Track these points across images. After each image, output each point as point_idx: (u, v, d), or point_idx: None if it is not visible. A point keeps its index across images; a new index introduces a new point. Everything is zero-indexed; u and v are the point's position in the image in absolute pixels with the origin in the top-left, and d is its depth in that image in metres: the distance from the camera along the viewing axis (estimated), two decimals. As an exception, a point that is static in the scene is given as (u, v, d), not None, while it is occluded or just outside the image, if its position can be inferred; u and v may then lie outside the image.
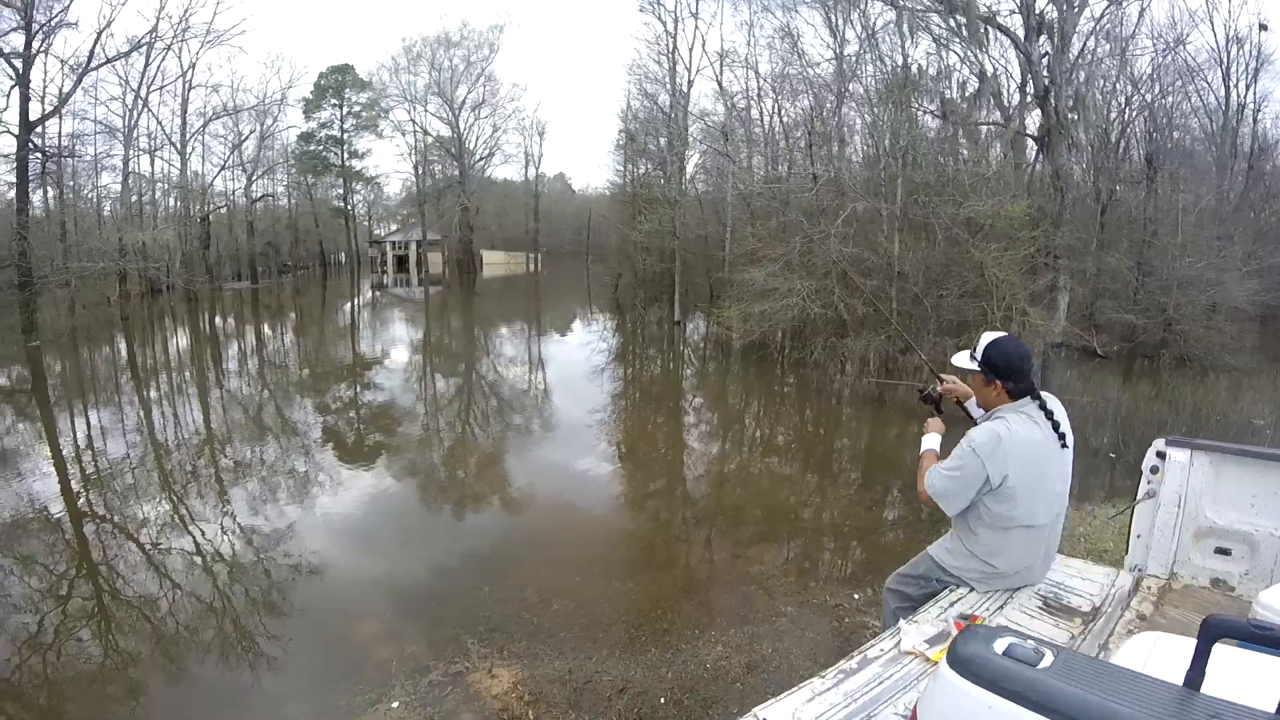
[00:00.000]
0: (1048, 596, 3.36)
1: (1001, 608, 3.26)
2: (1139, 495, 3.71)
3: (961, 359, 3.55)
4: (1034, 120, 17.89)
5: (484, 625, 5.99)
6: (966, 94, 18.24)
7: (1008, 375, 3.31)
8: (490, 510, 9.58)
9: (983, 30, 16.70)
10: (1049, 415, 3.29)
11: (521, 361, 21.87)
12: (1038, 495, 3.26)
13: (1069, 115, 16.75)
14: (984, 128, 18.35)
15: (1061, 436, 3.29)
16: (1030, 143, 18.04)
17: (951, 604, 3.30)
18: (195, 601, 7.10)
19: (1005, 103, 18.33)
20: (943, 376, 3.94)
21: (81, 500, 10.42)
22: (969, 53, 17.30)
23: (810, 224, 16.85)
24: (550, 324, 31.69)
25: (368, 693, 5.15)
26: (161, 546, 8.46)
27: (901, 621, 3.07)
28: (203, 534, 8.78)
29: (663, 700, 4.85)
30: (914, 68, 18.32)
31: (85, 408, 16.36)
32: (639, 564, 7.49)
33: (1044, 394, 3.36)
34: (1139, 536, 3.73)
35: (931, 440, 3.70)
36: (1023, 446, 3.20)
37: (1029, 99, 17.69)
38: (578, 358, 21.11)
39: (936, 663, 2.66)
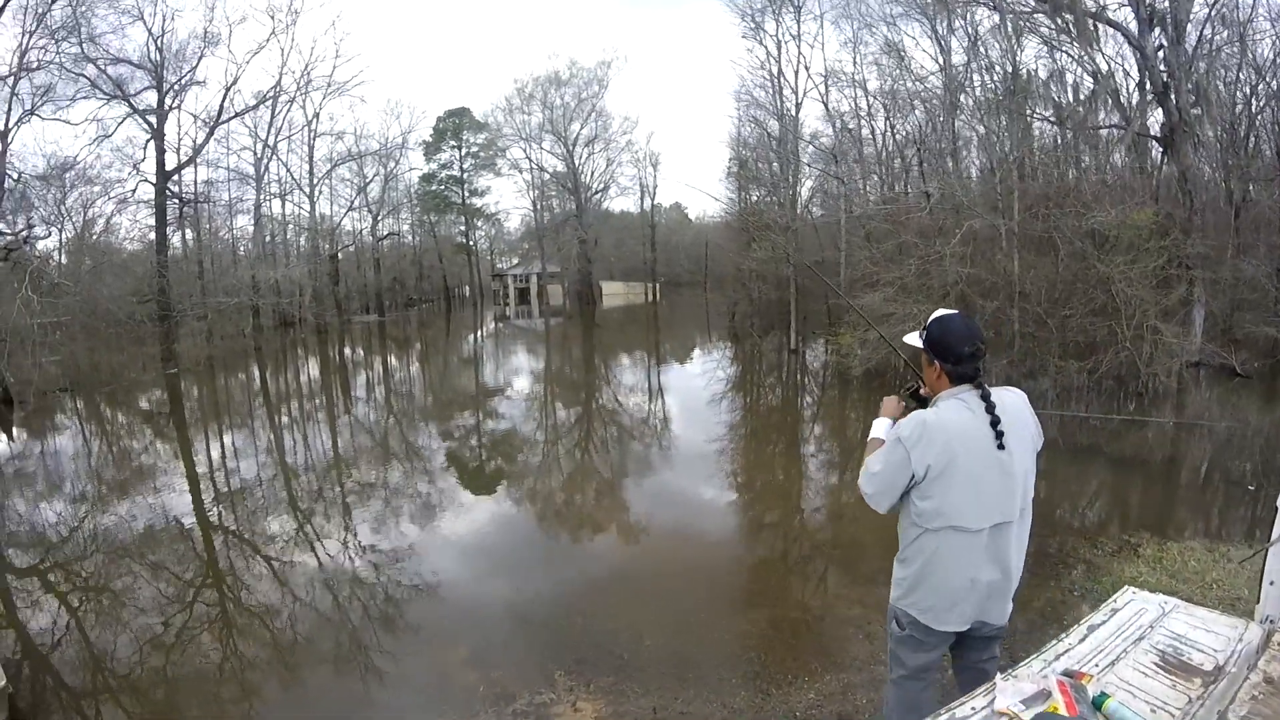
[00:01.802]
0: (1165, 651, 2.93)
1: (1112, 664, 2.87)
2: (1274, 535, 3.13)
3: (911, 336, 3.25)
4: (1155, 119, 16.70)
5: (573, 657, 5.96)
6: (1082, 97, 17.25)
7: (945, 354, 3.01)
8: (599, 538, 9.55)
9: (1092, 26, 15.71)
10: (989, 408, 2.93)
11: (640, 390, 21.92)
12: (966, 490, 2.90)
13: (1192, 111, 15.53)
14: (1103, 131, 17.30)
15: (999, 435, 2.90)
16: (1153, 144, 16.91)
17: (1057, 656, 2.98)
18: (314, 613, 7.45)
19: (1124, 103, 17.09)
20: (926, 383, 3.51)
21: (212, 514, 11.04)
22: (1080, 52, 16.39)
23: (926, 244, 16.31)
24: (669, 353, 31.66)
25: (451, 715, 5.21)
26: (285, 560, 8.92)
27: (997, 676, 2.75)
28: (325, 550, 9.23)
29: (748, 747, 4.65)
30: (1024, 73, 17.50)
31: (219, 430, 17.33)
32: (740, 601, 7.31)
33: (1000, 389, 3.04)
34: (1272, 584, 3.17)
35: (880, 426, 3.36)
36: (949, 434, 2.90)
37: (1148, 97, 16.41)
38: (696, 386, 21.02)
39: (1032, 728, 2.42)
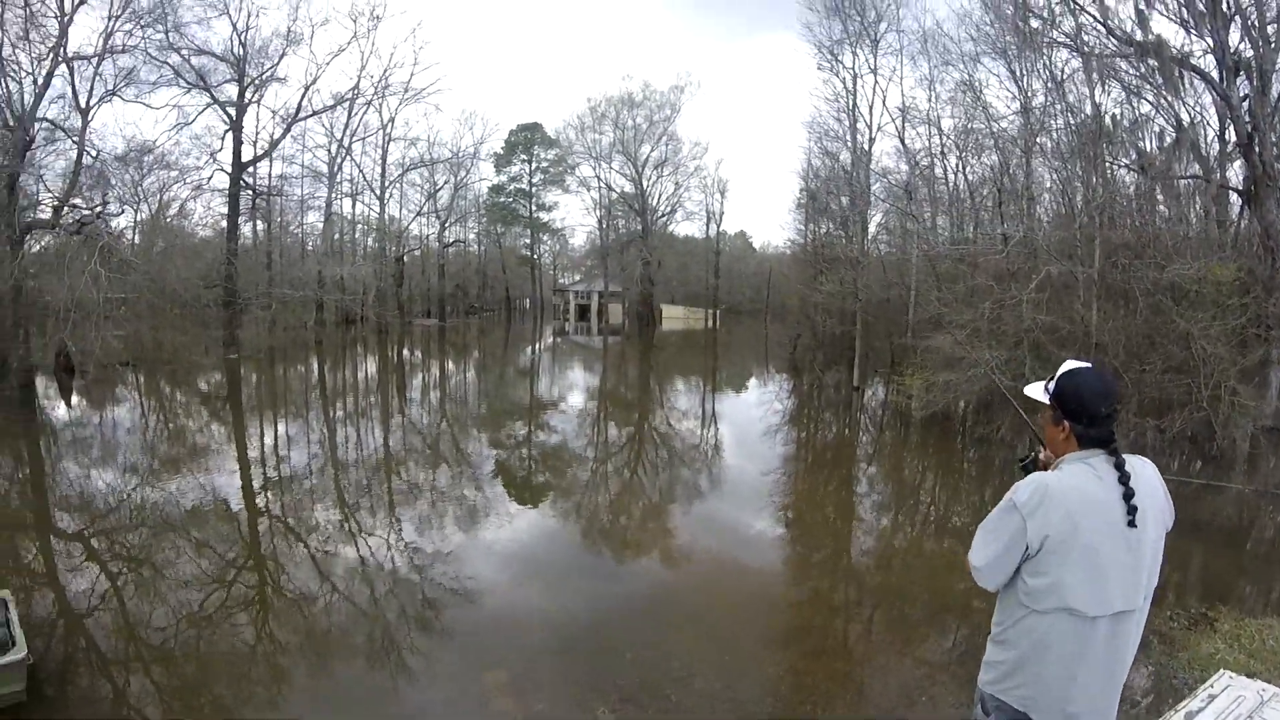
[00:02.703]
0: None
1: None
2: None
3: (1035, 389, 2.82)
4: (1237, 172, 15.89)
5: (618, 694, 5.71)
6: (1164, 145, 16.63)
7: (1077, 414, 2.58)
8: (647, 566, 9.34)
9: (1177, 74, 15.25)
10: (1122, 478, 2.51)
11: (695, 415, 21.79)
12: (1086, 570, 2.47)
13: (1276, 164, 14.89)
14: (1183, 182, 16.64)
15: (1132, 510, 2.47)
16: (1234, 197, 16.21)
17: None
18: (350, 605, 7.45)
19: (1204, 153, 16.49)
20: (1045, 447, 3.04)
21: (259, 498, 11.11)
22: (1162, 100, 15.84)
23: (1000, 288, 15.87)
24: (726, 380, 31.53)
25: None
26: (327, 550, 8.99)
27: None
28: (367, 544, 9.25)
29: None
30: (1106, 117, 16.97)
31: (274, 417, 17.54)
32: (793, 645, 7.00)
33: (1133, 458, 2.60)
34: None
35: None
36: (1074, 502, 2.49)
37: (1230, 148, 15.75)
38: (752, 416, 20.74)
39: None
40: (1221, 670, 3.17)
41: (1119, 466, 2.53)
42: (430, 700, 5.75)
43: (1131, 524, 2.47)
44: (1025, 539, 2.49)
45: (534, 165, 66.46)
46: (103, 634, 6.40)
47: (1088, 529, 2.46)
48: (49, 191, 21.70)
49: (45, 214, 20.64)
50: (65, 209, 20.69)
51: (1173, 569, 9.20)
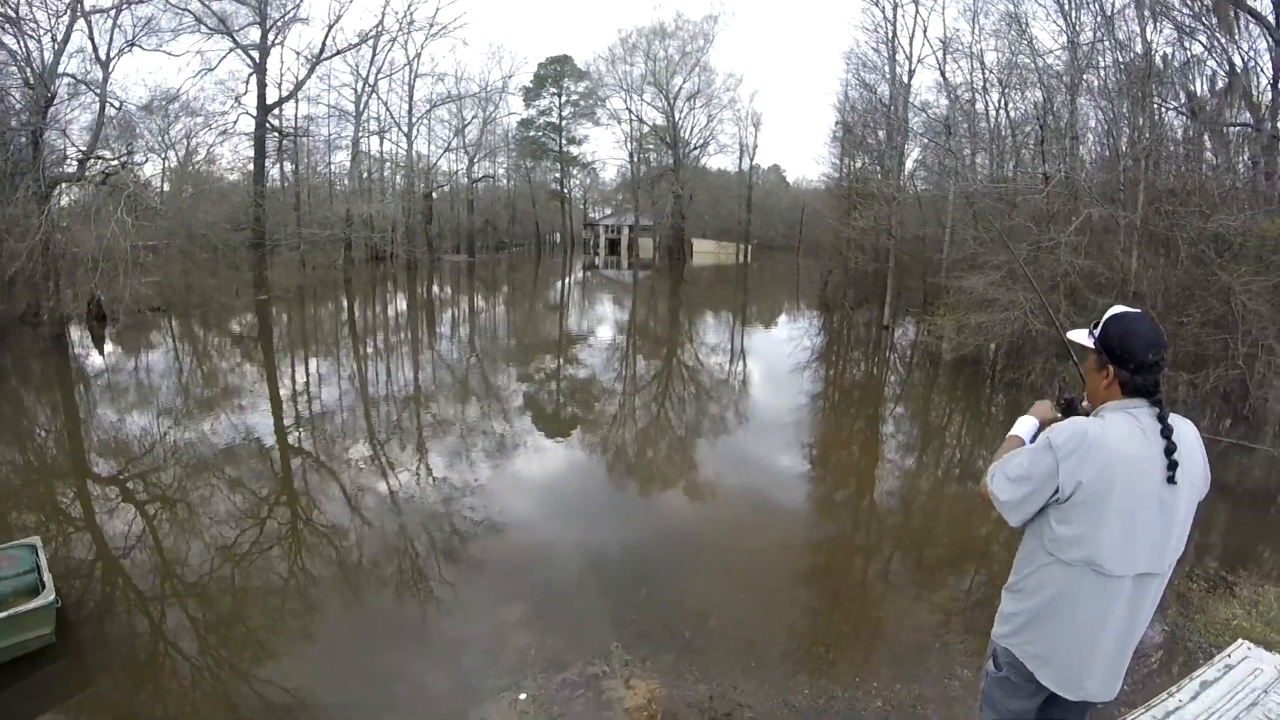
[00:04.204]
0: None
1: None
2: None
3: (1079, 334, 2.74)
4: None
5: (633, 630, 5.80)
6: (1215, 89, 15.95)
7: (1123, 359, 2.49)
8: (669, 502, 9.41)
9: (1232, 15, 14.55)
10: (1165, 431, 2.43)
11: (723, 351, 21.75)
12: (1117, 526, 2.40)
13: None
14: (1232, 130, 15.99)
15: (1172, 465, 2.40)
16: None
17: (1167, 714, 2.62)
18: (381, 539, 7.63)
19: (1256, 100, 15.81)
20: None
21: (291, 436, 11.31)
22: (1215, 42, 15.14)
23: (1039, 230, 15.51)
24: (756, 316, 31.34)
25: (501, 677, 5.19)
26: (358, 485, 9.17)
27: None
28: (397, 478, 9.46)
29: (804, 752, 4.42)
30: (1156, 57, 16.30)
31: (304, 356, 17.74)
32: (810, 589, 7.04)
33: (1174, 416, 2.49)
34: None
35: (1024, 424, 2.93)
36: (1112, 452, 2.40)
37: None
38: (780, 353, 20.69)
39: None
40: (1240, 640, 3.13)
41: (1162, 419, 2.46)
42: (451, 633, 5.90)
43: (1171, 480, 2.41)
44: (1056, 480, 2.44)
45: (564, 98, 65.21)
46: (138, 574, 6.59)
47: (1124, 484, 2.40)
48: (74, 145, 21.63)
49: (71, 167, 20.68)
50: (91, 161, 20.75)
51: (1194, 527, 8.98)
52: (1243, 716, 2.61)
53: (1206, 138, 15.74)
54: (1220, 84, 15.68)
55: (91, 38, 21.82)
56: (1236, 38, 14.78)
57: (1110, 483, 2.38)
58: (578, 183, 72.55)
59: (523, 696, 4.92)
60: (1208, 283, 12.69)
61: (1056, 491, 2.45)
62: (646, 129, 59.84)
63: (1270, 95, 15.25)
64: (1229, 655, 3.02)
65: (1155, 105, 15.80)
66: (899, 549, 8.02)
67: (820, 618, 6.30)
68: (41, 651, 5.09)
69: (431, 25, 44.08)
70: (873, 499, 9.87)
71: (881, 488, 10.34)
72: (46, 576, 5.37)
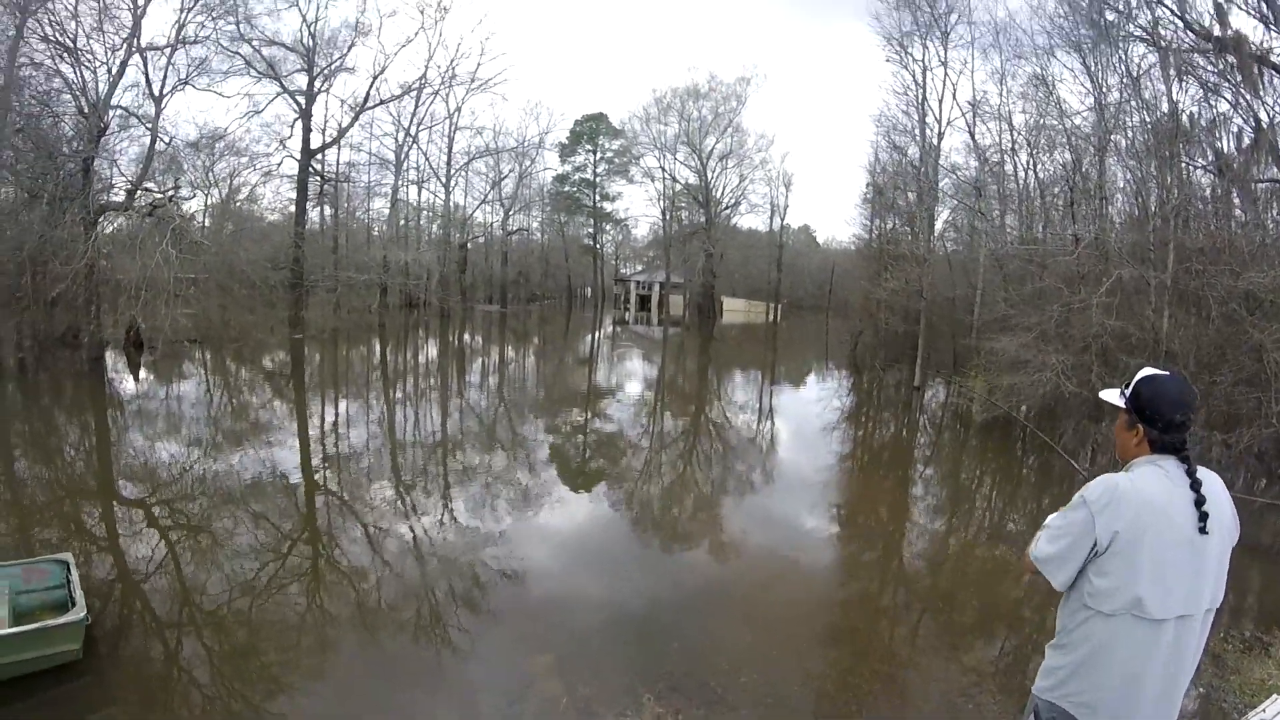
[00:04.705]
0: None
1: None
2: None
3: (1110, 394, 2.83)
4: None
5: (664, 683, 5.72)
6: (1242, 145, 15.87)
7: (1153, 419, 2.60)
8: (697, 558, 9.31)
9: (1257, 71, 14.55)
10: (1194, 485, 2.52)
11: (751, 409, 21.69)
12: (1153, 571, 2.47)
13: None
14: (1261, 186, 15.86)
15: (1203, 517, 2.48)
16: None
17: None
18: (400, 582, 7.57)
19: None
20: None
21: (317, 474, 11.34)
22: (1240, 98, 15.10)
23: (1069, 291, 15.42)
24: (785, 375, 31.27)
25: None
26: (380, 526, 9.16)
27: None
28: (420, 523, 9.44)
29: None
30: (1183, 116, 16.29)
31: (335, 396, 17.88)
32: (840, 646, 6.94)
33: (1203, 469, 2.60)
34: None
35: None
36: (1144, 503, 2.49)
37: None
38: (810, 413, 20.54)
39: None
40: (1274, 695, 3.04)
41: (1190, 473, 2.53)
42: (477, 679, 5.83)
43: (1203, 530, 2.48)
44: (1094, 534, 2.50)
45: (598, 155, 66.50)
46: (158, 598, 6.62)
47: (1154, 531, 2.47)
48: (123, 175, 22.43)
49: (119, 197, 21.35)
50: (138, 192, 21.38)
51: (1232, 590, 8.77)
52: None
53: (1235, 195, 15.63)
54: (1246, 140, 15.63)
55: (146, 73, 22.65)
56: (1261, 94, 14.78)
57: (1142, 530, 2.45)
58: (610, 238, 73.63)
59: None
60: (1239, 341, 12.53)
61: (1095, 545, 2.52)
62: (679, 187, 60.73)
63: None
64: (1264, 710, 2.94)
65: (1183, 164, 15.79)
66: (928, 610, 7.85)
67: (850, 676, 6.18)
68: (65, 666, 5.12)
69: (473, 80, 45.43)
70: (901, 560, 9.72)
71: (910, 549, 10.18)
72: (78, 593, 5.42)
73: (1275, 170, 15.22)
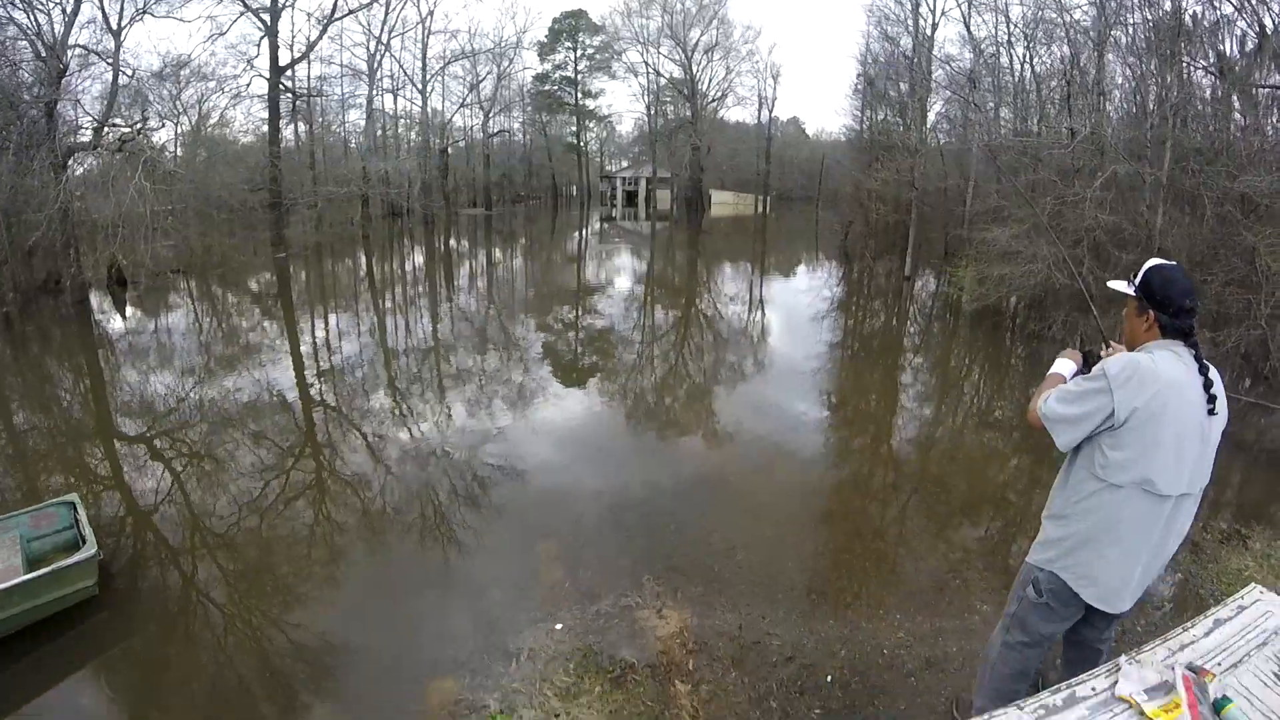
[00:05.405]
0: None
1: (1235, 666, 2.65)
2: None
3: (1118, 283, 3.00)
4: None
5: (663, 563, 5.96)
6: (1245, 50, 15.52)
7: (1164, 305, 2.78)
8: (691, 444, 9.54)
9: None
10: (1203, 369, 2.72)
11: (741, 300, 21.79)
12: (1168, 449, 2.66)
13: None
14: (1261, 91, 15.63)
15: (1212, 399, 2.70)
16: None
17: (1181, 646, 2.74)
18: (404, 486, 7.76)
19: None
20: (1111, 343, 3.29)
21: (313, 389, 11.46)
22: (1246, 2, 14.70)
23: (1063, 184, 15.30)
24: (774, 266, 31.24)
25: (535, 610, 5.32)
26: (379, 435, 9.30)
27: (1122, 658, 2.60)
28: (419, 428, 9.59)
29: (829, 679, 4.57)
30: (1186, 15, 15.87)
31: (324, 312, 17.92)
32: (832, 527, 7.16)
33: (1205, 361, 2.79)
34: None
35: (1063, 365, 3.22)
36: (1164, 380, 2.66)
37: None
38: (799, 303, 20.67)
39: (1152, 720, 2.26)
40: (1253, 584, 3.21)
41: (1199, 358, 2.74)
42: (485, 573, 6.03)
43: (1212, 412, 2.71)
44: (1111, 407, 2.68)
45: (579, 52, 64.54)
46: (169, 527, 6.73)
47: (1175, 408, 2.66)
48: (88, 115, 21.75)
49: (86, 137, 20.63)
50: (105, 130, 20.76)
51: (1213, 483, 8.93)
52: (1253, 654, 2.72)
53: (1235, 98, 15.35)
54: (1250, 45, 15.30)
55: (102, 7, 21.68)
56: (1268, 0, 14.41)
57: (1163, 406, 2.65)
58: (594, 136, 72.27)
59: (559, 627, 5.06)
60: (1233, 243, 12.53)
61: (1110, 417, 2.70)
62: (664, 82, 59.52)
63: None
64: (1242, 597, 3.12)
65: (1184, 64, 15.45)
66: (917, 492, 8.08)
67: (842, 554, 6.43)
68: (84, 604, 5.25)
69: (445, -20, 43.59)
70: (891, 445, 9.93)
71: (900, 434, 10.39)
72: (87, 530, 5.50)
73: (1277, 77, 14.96)
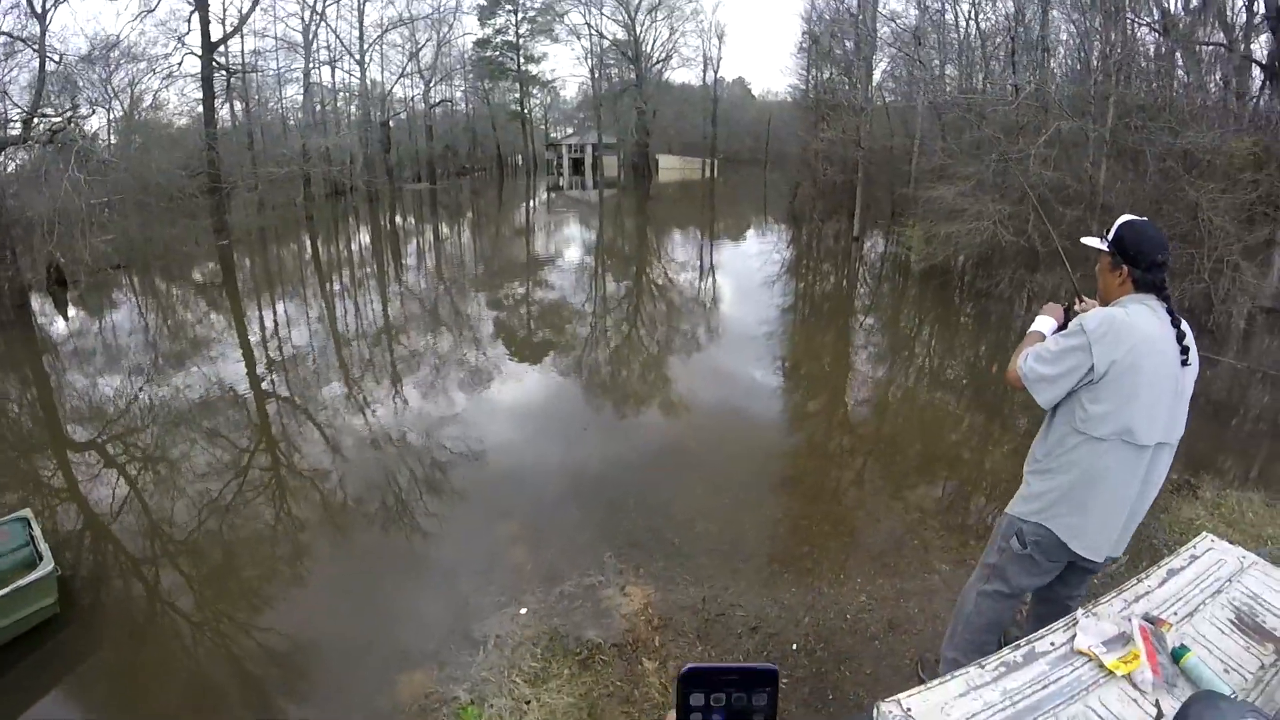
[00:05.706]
0: (1241, 609, 2.75)
1: (1190, 614, 2.72)
2: None
3: (1091, 240, 3.08)
4: (1262, 45, 14.93)
5: (624, 540, 6.02)
6: (1190, 7, 15.78)
7: (1136, 259, 2.86)
8: (647, 417, 9.62)
9: None
10: (1175, 322, 2.82)
11: (692, 267, 21.83)
12: (1145, 400, 2.77)
13: None
14: (1205, 49, 15.89)
15: (1185, 350, 2.81)
16: (1257, 70, 15.60)
17: (1136, 597, 2.83)
18: (363, 476, 7.69)
19: (1230, 21, 15.55)
20: (1084, 298, 3.38)
21: (265, 382, 11.31)
22: None
23: (1008, 141, 15.50)
24: (724, 231, 31.27)
25: (499, 594, 5.33)
26: (335, 425, 9.20)
27: (1079, 612, 2.65)
28: (375, 415, 9.51)
29: (795, 647, 4.65)
30: None
31: (271, 299, 17.57)
32: (790, 493, 7.27)
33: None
34: None
35: (1044, 323, 3.28)
36: (1140, 333, 2.75)
37: (1257, 19, 14.69)
38: (750, 268, 20.74)
39: (1111, 673, 2.35)
40: (1204, 533, 3.32)
41: (1171, 311, 2.83)
42: (447, 559, 6.06)
43: (1185, 363, 2.80)
44: (1090, 362, 2.76)
45: (520, 15, 62.89)
46: (128, 537, 6.57)
47: (1150, 361, 2.75)
48: (16, 106, 20.64)
49: (16, 130, 19.65)
50: (35, 120, 19.69)
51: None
52: (1208, 602, 2.79)
53: (1179, 55, 15.63)
54: (1194, 2, 15.56)
55: None
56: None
57: (1140, 359, 2.73)
58: (538, 103, 70.66)
59: (524, 611, 5.08)
60: (1176, 198, 12.83)
61: (1090, 372, 2.79)
62: (607, 44, 58.32)
63: (1244, 16, 15.15)
64: (1194, 547, 3.21)
65: (1128, 20, 15.67)
66: (873, 455, 8.24)
67: (801, 520, 6.53)
68: (46, 624, 5.12)
69: (378, -55, 42.37)
70: (845, 408, 10.11)
71: (854, 397, 10.56)
72: (43, 547, 5.34)
73: (1221, 34, 15.19)
